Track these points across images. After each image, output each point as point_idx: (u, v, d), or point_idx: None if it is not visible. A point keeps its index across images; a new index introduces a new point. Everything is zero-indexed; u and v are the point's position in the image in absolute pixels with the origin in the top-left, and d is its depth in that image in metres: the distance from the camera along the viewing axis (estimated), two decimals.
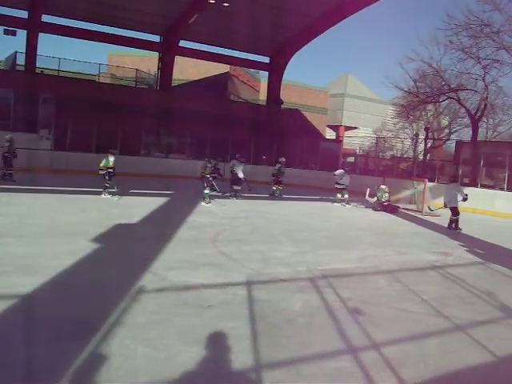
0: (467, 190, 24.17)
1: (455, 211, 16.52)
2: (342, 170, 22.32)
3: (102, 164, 17.74)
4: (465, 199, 16.74)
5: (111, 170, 17.90)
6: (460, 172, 29.42)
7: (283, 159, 23.97)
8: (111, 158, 17.97)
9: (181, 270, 8.08)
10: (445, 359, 5.29)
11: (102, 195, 17.45)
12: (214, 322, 5.82)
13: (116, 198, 17.30)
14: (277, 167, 23.75)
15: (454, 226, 16.40)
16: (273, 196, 22.97)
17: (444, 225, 17.01)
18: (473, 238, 14.78)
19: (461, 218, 16.41)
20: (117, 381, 4.30)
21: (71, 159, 25.76)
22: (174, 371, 4.52)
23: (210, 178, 18.47)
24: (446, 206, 17.18)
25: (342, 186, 21.42)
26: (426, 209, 20.33)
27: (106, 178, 17.66)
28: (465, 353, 5.50)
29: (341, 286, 7.89)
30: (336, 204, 21.61)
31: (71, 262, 7.96)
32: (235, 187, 20.74)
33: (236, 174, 20.78)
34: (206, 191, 17.92)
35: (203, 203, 17.60)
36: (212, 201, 18.02)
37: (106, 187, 17.62)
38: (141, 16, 33.15)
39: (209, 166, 18.58)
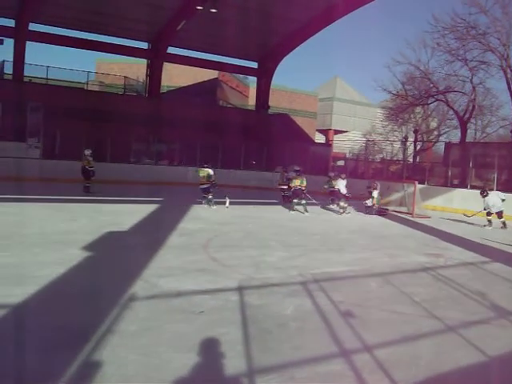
0: (457, 192, 24.53)
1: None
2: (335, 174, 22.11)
3: (202, 176, 19.15)
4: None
5: (214, 183, 19.25)
6: (450, 174, 29.57)
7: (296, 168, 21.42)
8: (211, 171, 19.17)
9: (172, 277, 8.06)
10: (437, 360, 5.30)
11: (212, 206, 18.75)
12: (206, 328, 5.80)
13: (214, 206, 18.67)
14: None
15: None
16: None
17: (435, 226, 17.11)
18: (463, 239, 14.83)
19: (451, 219, 16.49)
20: None
21: (60, 168, 25.65)
22: (167, 378, 4.50)
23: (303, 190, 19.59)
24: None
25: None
26: (416, 210, 20.38)
27: (211, 190, 18.96)
28: (457, 353, 5.51)
29: (332, 289, 7.88)
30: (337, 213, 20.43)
31: (62, 270, 7.91)
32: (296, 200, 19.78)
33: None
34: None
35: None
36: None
37: (209, 198, 18.89)
38: (128, 23, 33.18)
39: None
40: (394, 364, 5.10)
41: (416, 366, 5.12)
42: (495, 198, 18.64)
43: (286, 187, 21.52)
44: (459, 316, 6.87)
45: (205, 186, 19.20)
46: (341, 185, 20.65)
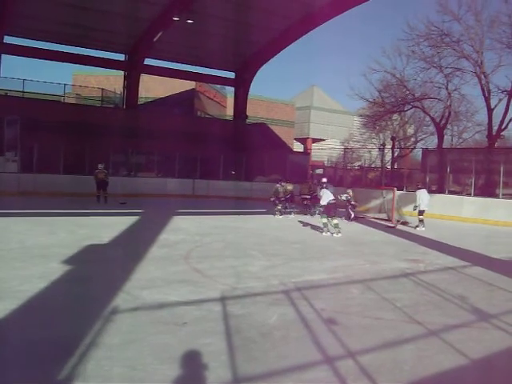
0: (435, 197, 24.73)
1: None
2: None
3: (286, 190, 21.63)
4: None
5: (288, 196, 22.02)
6: (427, 179, 29.83)
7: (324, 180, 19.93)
8: (289, 187, 22.16)
9: (154, 289, 8.04)
10: (420, 364, 5.36)
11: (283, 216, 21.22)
12: (189, 339, 5.80)
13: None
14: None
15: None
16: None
17: (414, 232, 17.28)
18: (442, 244, 14.96)
19: (430, 224, 16.67)
20: None
21: (39, 181, 25.47)
22: None
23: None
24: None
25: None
26: (396, 217, 20.58)
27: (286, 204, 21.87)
28: (439, 357, 5.57)
29: (314, 297, 7.92)
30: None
31: (43, 285, 7.86)
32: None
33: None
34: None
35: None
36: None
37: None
38: (105, 35, 33.20)
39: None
40: (378, 369, 5.15)
41: (399, 370, 5.17)
42: (426, 195, 19.58)
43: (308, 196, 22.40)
44: (440, 320, 6.95)
45: (283, 199, 21.53)
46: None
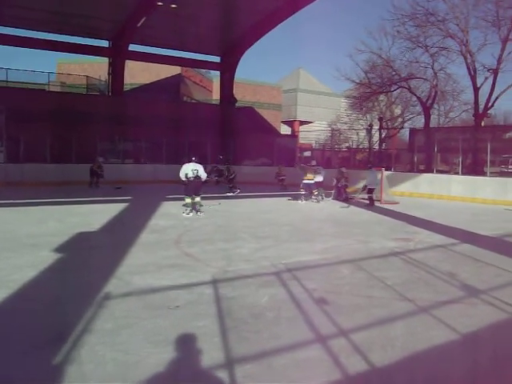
0: (423, 177, 24.93)
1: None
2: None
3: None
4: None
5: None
6: (415, 159, 29.99)
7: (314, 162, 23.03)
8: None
9: (145, 274, 8.05)
10: (411, 340, 5.40)
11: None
12: (182, 323, 5.82)
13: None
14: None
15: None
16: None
17: (403, 211, 17.38)
18: (431, 222, 15.06)
19: (419, 203, 16.79)
20: None
21: (26, 171, 25.34)
22: (146, 373, 4.50)
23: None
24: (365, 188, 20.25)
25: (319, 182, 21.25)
26: (384, 197, 20.71)
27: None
28: (430, 333, 5.63)
29: (305, 277, 7.96)
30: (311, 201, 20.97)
31: (34, 273, 7.85)
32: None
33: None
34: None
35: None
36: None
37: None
38: (88, 21, 32.89)
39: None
40: (370, 346, 5.19)
41: (391, 347, 5.21)
42: (374, 174, 20.26)
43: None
44: (430, 297, 7.01)
45: (311, 182, 20.62)
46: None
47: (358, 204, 20.08)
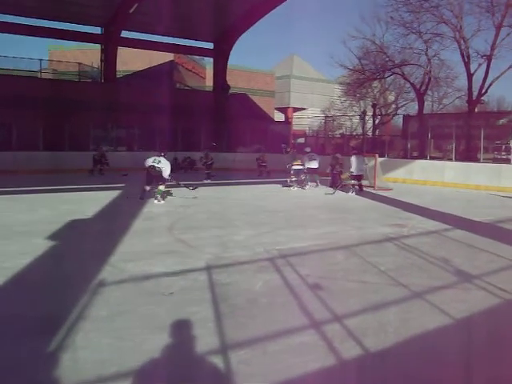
0: (417, 163, 24.97)
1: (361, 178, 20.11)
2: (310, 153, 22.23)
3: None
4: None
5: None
6: (409, 146, 30.02)
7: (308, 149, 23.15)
8: None
9: (139, 261, 8.04)
10: (405, 326, 5.43)
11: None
12: (177, 309, 5.83)
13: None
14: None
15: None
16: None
17: (397, 198, 17.41)
18: (425, 208, 15.10)
19: (412, 189, 16.82)
20: (84, 373, 4.28)
21: (19, 159, 25.18)
22: (141, 359, 4.50)
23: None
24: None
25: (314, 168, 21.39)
26: (378, 183, 20.74)
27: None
28: (424, 318, 5.65)
29: (299, 263, 7.97)
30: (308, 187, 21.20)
31: (27, 261, 7.82)
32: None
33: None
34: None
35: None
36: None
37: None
38: (80, 8, 32.52)
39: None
40: (364, 332, 5.21)
41: (384, 332, 5.23)
42: (359, 160, 20.08)
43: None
44: (424, 282, 7.04)
45: (301, 168, 20.84)
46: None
47: (350, 190, 20.04)
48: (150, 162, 15.47)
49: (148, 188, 15.66)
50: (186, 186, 17.25)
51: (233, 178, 24.35)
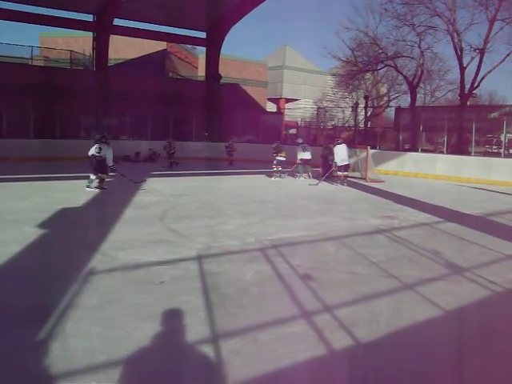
0: (408, 156, 25.01)
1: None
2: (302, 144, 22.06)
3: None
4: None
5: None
6: (401, 138, 30.05)
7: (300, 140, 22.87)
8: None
9: (130, 250, 8.02)
10: (396, 317, 5.45)
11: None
12: (167, 298, 5.82)
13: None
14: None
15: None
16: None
17: (388, 190, 17.44)
18: (416, 201, 15.13)
19: (404, 182, 16.85)
20: (74, 362, 4.27)
21: (9, 146, 25.00)
22: (131, 348, 4.50)
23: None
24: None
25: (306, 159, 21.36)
26: (369, 175, 20.76)
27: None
28: (414, 309, 5.68)
29: (290, 254, 7.99)
30: (301, 179, 21.17)
31: (18, 249, 7.79)
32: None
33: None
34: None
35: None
36: None
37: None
38: None
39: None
40: (354, 322, 5.22)
41: (376, 323, 5.25)
42: (342, 150, 19.78)
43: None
44: (415, 274, 7.06)
45: (284, 160, 21.13)
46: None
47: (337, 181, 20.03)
48: (92, 150, 15.55)
49: (94, 177, 15.64)
50: (132, 180, 16.99)
51: (224, 168, 24.43)
